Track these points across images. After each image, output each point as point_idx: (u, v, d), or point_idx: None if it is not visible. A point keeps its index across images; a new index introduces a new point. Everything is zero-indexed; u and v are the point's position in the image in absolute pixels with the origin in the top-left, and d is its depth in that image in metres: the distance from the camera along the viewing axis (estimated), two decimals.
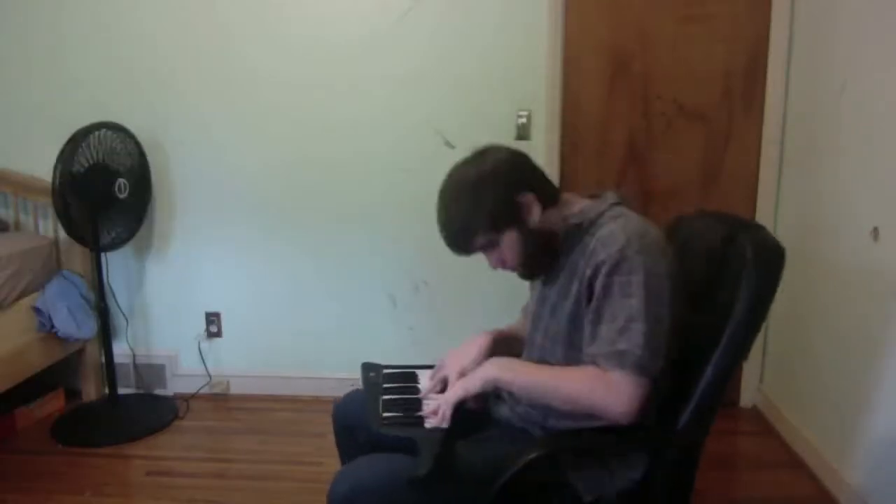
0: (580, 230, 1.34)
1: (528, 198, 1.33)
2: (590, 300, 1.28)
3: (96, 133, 2.55)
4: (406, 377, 1.63)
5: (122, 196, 2.59)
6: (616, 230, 1.27)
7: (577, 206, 1.39)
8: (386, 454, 1.35)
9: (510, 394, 1.45)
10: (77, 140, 2.48)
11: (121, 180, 2.59)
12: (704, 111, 2.70)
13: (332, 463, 1.65)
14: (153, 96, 2.82)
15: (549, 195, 1.37)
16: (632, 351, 1.21)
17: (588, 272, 1.27)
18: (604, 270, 1.24)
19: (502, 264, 1.39)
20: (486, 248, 1.37)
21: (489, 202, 1.31)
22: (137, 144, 2.72)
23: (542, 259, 1.39)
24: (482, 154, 1.38)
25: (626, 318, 1.22)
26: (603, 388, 1.23)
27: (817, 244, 2.36)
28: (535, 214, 1.33)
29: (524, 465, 1.21)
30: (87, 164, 2.52)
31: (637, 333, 1.21)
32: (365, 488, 1.28)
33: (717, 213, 1.54)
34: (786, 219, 2.65)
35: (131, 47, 2.79)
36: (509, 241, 1.34)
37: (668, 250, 1.31)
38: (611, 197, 1.38)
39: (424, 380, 1.61)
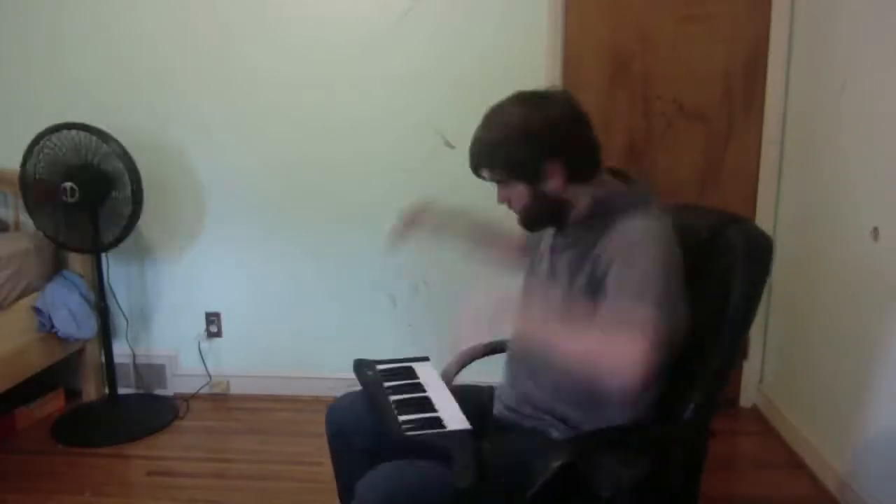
0: (607, 214, 1.34)
1: (555, 167, 1.32)
2: (598, 282, 1.29)
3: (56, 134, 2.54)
4: (404, 373, 1.60)
5: (69, 201, 2.49)
6: (637, 224, 1.29)
7: (608, 187, 1.39)
8: (411, 461, 1.32)
9: (516, 408, 1.44)
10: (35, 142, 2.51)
11: (67, 184, 2.49)
12: (704, 111, 2.70)
13: (331, 463, 1.65)
14: (153, 96, 2.82)
15: (582, 170, 1.35)
16: (640, 319, 1.21)
17: (603, 258, 1.29)
18: (618, 256, 1.27)
19: (507, 203, 1.40)
20: (498, 183, 1.38)
21: (516, 151, 1.31)
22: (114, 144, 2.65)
23: (544, 221, 1.41)
24: (546, 100, 1.34)
25: (636, 293, 1.23)
26: (608, 350, 1.21)
27: (817, 244, 2.36)
28: (554, 184, 1.33)
29: (552, 474, 1.21)
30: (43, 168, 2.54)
31: (649, 308, 1.22)
32: (395, 499, 1.25)
33: (700, 206, 1.55)
34: (786, 219, 2.65)
35: (131, 47, 2.79)
36: (518, 191, 1.36)
37: (678, 249, 1.32)
38: (641, 190, 1.39)
39: (423, 374, 1.60)
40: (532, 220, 1.41)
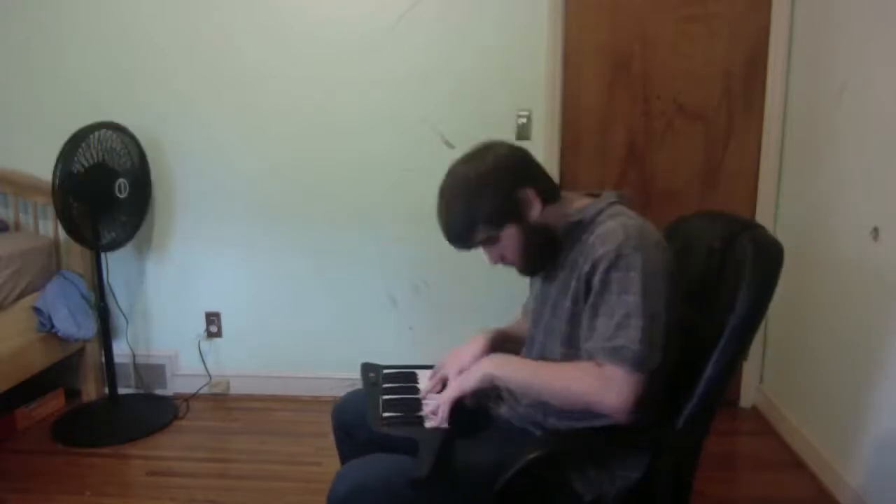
0: (579, 227, 1.35)
1: (529, 193, 1.33)
2: (587, 296, 1.28)
3: (97, 133, 2.54)
4: (405, 377, 1.63)
5: (122, 196, 2.59)
6: (615, 227, 1.28)
7: (577, 203, 1.39)
8: (385, 454, 1.36)
9: (510, 393, 1.46)
10: (77, 139, 2.47)
11: (121, 180, 2.58)
12: (704, 111, 2.70)
13: (332, 463, 1.65)
14: (153, 96, 2.82)
15: (549, 191, 1.37)
16: (628, 346, 1.21)
17: (586, 268, 1.28)
18: (602, 267, 1.25)
19: (502, 259, 1.40)
20: (487, 243, 1.37)
21: (489, 198, 1.32)
22: (137, 145, 2.72)
23: (543, 254, 1.39)
24: (482, 151, 1.37)
25: (624, 314, 1.22)
26: (597, 382, 1.23)
27: (817, 244, 2.36)
28: (536, 210, 1.33)
29: (524, 465, 1.21)
30: (87, 164, 2.51)
31: (634, 329, 1.21)
32: (365, 488, 1.28)
33: (716, 212, 1.54)
34: (786, 219, 2.65)
35: (131, 47, 2.79)
36: (509, 236, 1.34)
37: (666, 248, 1.32)
38: (610, 196, 1.39)
39: (424, 379, 1.62)
40: (530, 258, 1.39)
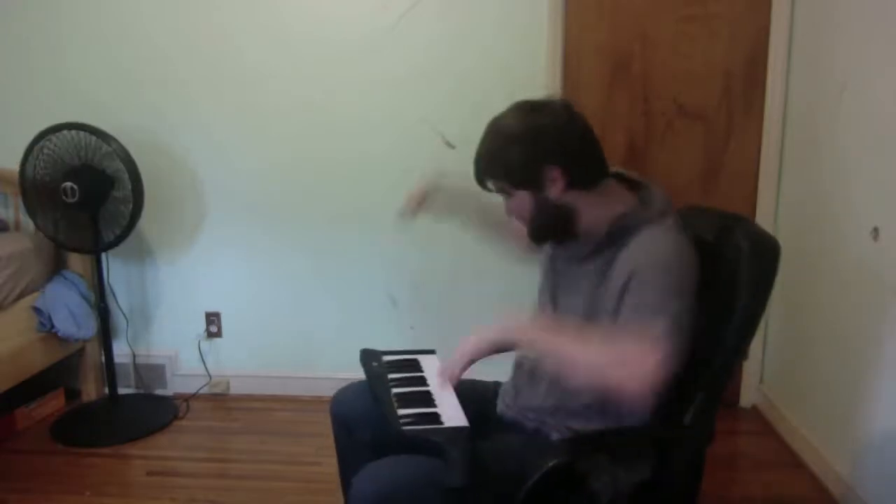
0: (621, 236, 1.34)
1: (555, 172, 1.32)
2: (620, 297, 1.29)
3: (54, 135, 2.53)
4: (409, 365, 1.61)
5: (70, 201, 2.49)
6: (658, 237, 1.30)
7: (622, 205, 1.37)
8: (407, 457, 1.33)
9: (533, 402, 1.44)
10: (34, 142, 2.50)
11: (68, 184, 2.48)
12: (704, 111, 2.70)
13: (332, 463, 1.65)
14: (153, 97, 2.82)
15: (583, 177, 1.35)
16: (655, 335, 1.21)
17: (622, 275, 1.28)
18: (636, 273, 1.26)
19: (515, 214, 1.41)
20: (501, 193, 1.39)
21: (514, 158, 1.32)
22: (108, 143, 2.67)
23: (550, 231, 1.41)
24: (541, 108, 1.35)
25: (654, 310, 1.23)
26: (620, 362, 1.20)
27: (817, 244, 2.36)
28: (556, 190, 1.33)
29: (546, 471, 1.21)
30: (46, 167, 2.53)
31: (664, 324, 1.21)
32: (390, 494, 1.26)
33: (703, 207, 1.54)
34: (786, 219, 2.65)
35: (131, 47, 2.79)
36: (521, 198, 1.36)
37: (695, 260, 1.32)
38: (654, 199, 1.38)
39: (428, 367, 1.59)
40: (538, 229, 1.40)
